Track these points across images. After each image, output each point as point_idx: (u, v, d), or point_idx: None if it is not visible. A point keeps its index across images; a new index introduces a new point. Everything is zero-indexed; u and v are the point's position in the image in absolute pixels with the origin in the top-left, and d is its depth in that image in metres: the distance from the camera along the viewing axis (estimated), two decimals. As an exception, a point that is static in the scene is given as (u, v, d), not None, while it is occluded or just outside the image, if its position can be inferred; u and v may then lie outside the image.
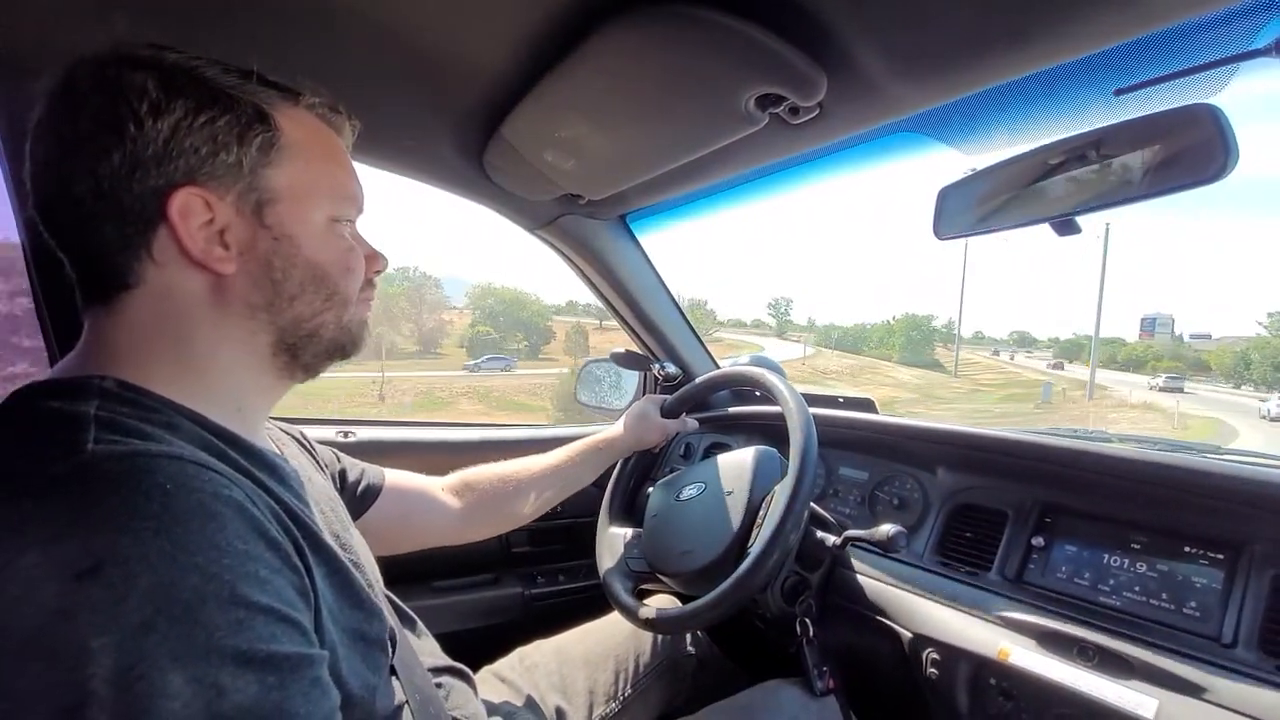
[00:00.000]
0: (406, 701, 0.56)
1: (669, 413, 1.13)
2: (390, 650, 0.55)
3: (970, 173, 0.81)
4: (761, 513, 0.89)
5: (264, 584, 0.37)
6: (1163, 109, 0.61)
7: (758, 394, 1.28)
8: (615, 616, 0.99)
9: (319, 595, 0.44)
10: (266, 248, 0.49)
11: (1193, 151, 0.60)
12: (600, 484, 1.12)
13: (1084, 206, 0.71)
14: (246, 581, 0.36)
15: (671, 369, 1.45)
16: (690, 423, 1.16)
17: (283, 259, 0.50)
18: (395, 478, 0.85)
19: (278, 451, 0.56)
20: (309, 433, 0.74)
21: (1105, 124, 0.67)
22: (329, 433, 1.20)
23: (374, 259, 0.59)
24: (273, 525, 0.41)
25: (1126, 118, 0.65)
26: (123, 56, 0.45)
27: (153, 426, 0.42)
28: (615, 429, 1.08)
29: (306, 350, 0.54)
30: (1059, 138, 0.70)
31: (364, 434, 1.25)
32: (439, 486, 0.92)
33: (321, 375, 0.57)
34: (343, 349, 0.56)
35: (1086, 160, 0.70)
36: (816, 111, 0.73)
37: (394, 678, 0.56)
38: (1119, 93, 0.64)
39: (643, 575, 1.00)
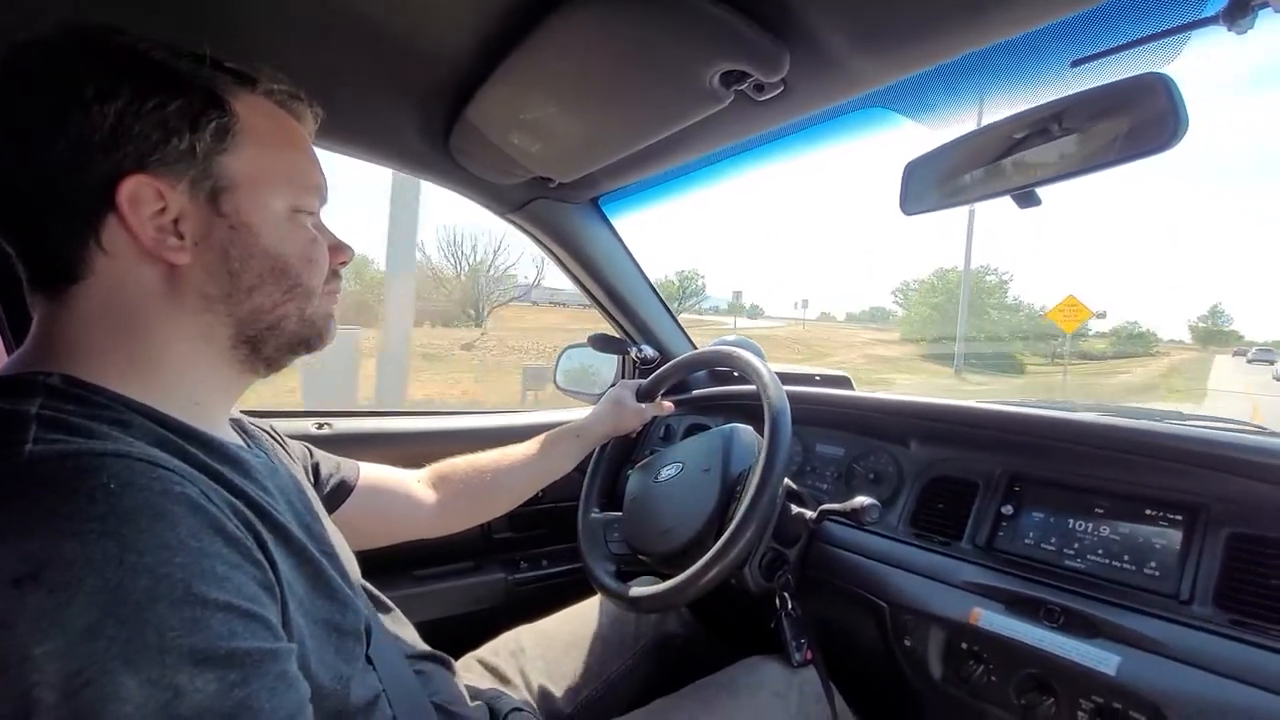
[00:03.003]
0: (384, 691, 0.56)
1: (644, 396, 1.13)
2: (366, 640, 0.54)
3: (936, 147, 0.81)
4: (739, 488, 0.90)
5: (221, 580, 0.36)
6: (1116, 79, 0.62)
7: (735, 374, 1.29)
8: (599, 599, 1.00)
9: (286, 588, 0.43)
10: (223, 237, 0.48)
11: (1148, 120, 0.61)
12: (582, 469, 1.13)
13: (1050, 177, 0.72)
14: (202, 579, 0.35)
15: (649, 352, 1.46)
16: (666, 405, 1.16)
17: (240, 249, 0.48)
18: (370, 472, 0.85)
19: (242, 444, 0.55)
20: (286, 424, 0.73)
21: (1064, 95, 0.67)
22: (306, 425, 1.19)
23: (338, 250, 0.57)
24: (231, 520, 0.40)
25: (1085, 88, 0.66)
26: (67, 39, 0.44)
27: (100, 424, 0.40)
28: (591, 416, 1.08)
29: (268, 343, 0.53)
30: (1021, 109, 0.71)
31: (340, 425, 1.24)
32: (414, 479, 0.91)
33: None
34: (306, 342, 0.55)
35: (1049, 134, 0.70)
36: (781, 88, 0.73)
37: (370, 668, 0.56)
38: (1076, 64, 0.65)
39: (624, 558, 1.01)
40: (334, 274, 0.57)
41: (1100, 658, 0.67)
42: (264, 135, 0.50)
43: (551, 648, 0.96)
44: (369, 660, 0.56)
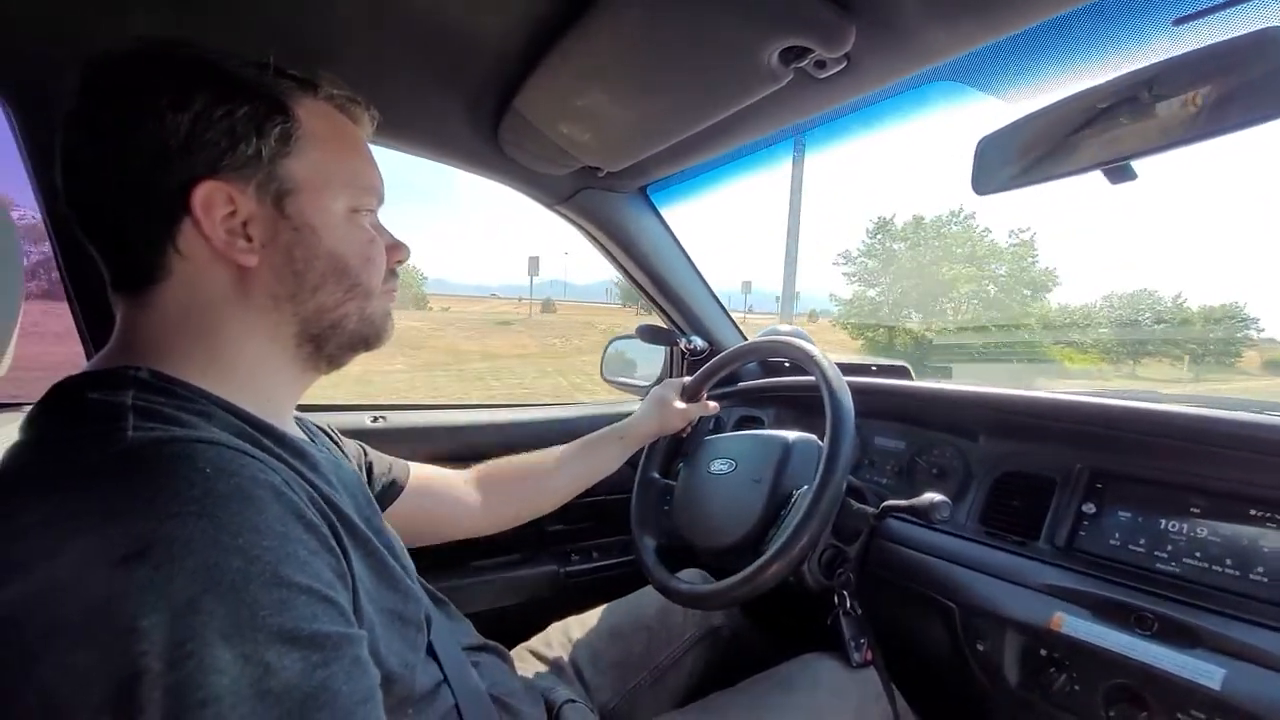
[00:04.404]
0: (445, 679, 0.57)
1: (690, 395, 1.11)
2: (426, 630, 0.56)
3: (1011, 122, 0.76)
4: (784, 510, 0.88)
5: (304, 565, 0.37)
6: (1226, 38, 0.56)
7: (787, 364, 1.25)
8: (649, 589, 1.00)
9: (356, 577, 0.44)
10: (288, 239, 0.49)
11: (1261, 83, 0.55)
12: (632, 463, 1.11)
13: (1137, 151, 0.66)
14: (287, 563, 0.36)
15: (698, 343, 1.44)
16: (711, 405, 1.13)
17: (304, 250, 0.50)
18: (419, 472, 0.86)
19: (307, 439, 0.56)
20: (342, 417, 0.75)
21: (1160, 59, 0.61)
22: (362, 418, 1.22)
23: (395, 249, 0.59)
24: (309, 509, 0.41)
25: (1185, 51, 0.59)
26: (141, 51, 0.46)
27: (188, 414, 0.42)
28: (635, 417, 1.07)
29: (330, 341, 0.54)
30: (1108, 78, 0.65)
31: (395, 419, 1.26)
32: (461, 480, 0.92)
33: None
34: (366, 340, 0.57)
35: (1138, 101, 0.64)
36: (844, 64, 0.69)
37: (431, 657, 0.57)
38: (1178, 22, 0.59)
39: (672, 534, 1.02)
40: (391, 273, 0.58)
41: (1202, 670, 0.62)
42: (325, 139, 0.51)
43: (599, 638, 0.96)
44: (430, 650, 0.57)
